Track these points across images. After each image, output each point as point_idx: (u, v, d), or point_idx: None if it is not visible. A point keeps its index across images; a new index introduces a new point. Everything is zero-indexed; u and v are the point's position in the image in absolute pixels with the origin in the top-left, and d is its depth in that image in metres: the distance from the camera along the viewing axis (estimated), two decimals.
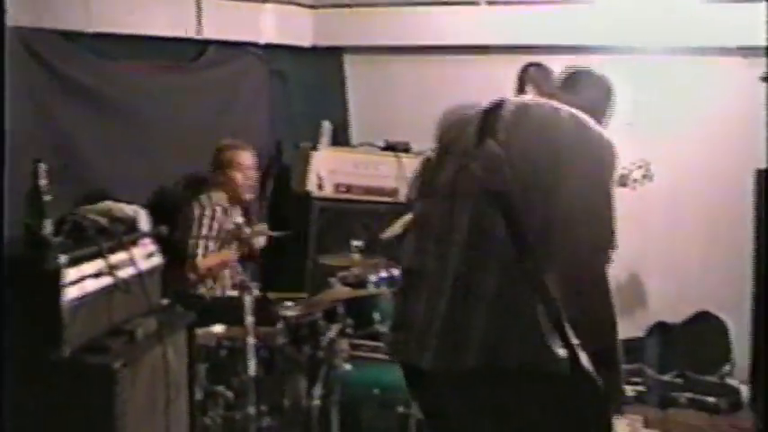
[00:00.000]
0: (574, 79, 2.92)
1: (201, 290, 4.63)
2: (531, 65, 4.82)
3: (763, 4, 5.06)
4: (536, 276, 2.38)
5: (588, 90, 2.84)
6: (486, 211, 2.46)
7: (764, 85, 4.03)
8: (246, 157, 4.84)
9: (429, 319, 2.49)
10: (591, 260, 2.46)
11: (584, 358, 2.39)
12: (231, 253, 4.59)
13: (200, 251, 4.52)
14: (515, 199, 2.42)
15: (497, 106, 2.66)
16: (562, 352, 2.36)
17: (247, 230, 4.50)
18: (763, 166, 4.90)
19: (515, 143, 2.52)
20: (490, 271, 2.42)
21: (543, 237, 2.41)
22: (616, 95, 2.84)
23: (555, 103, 2.65)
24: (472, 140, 2.60)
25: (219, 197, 4.71)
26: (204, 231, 4.57)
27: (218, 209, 4.65)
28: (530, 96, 2.86)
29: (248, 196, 4.89)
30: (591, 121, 2.56)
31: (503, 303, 2.40)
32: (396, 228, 4.65)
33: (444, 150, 2.75)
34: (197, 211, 4.60)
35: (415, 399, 2.99)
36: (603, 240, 2.45)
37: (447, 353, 2.45)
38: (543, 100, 2.73)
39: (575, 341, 2.37)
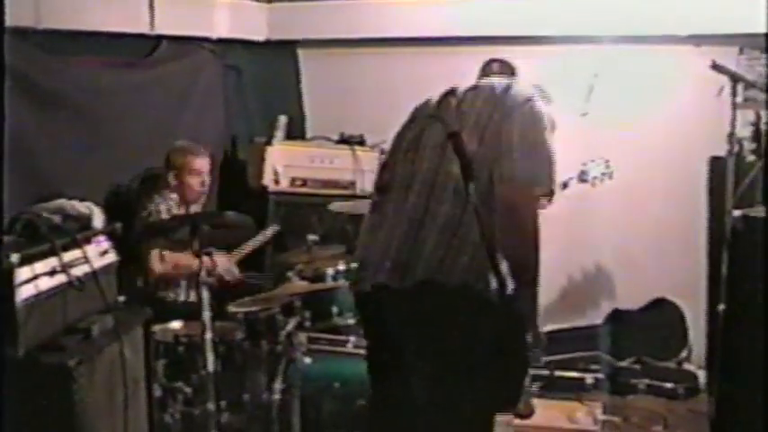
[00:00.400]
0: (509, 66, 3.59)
1: (161, 293, 4.61)
2: (493, 60, 4.99)
3: None
4: (479, 208, 2.72)
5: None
6: (444, 154, 2.92)
7: (713, 72, 4.07)
8: (202, 164, 4.76)
9: (386, 245, 2.95)
10: (525, 193, 2.85)
11: (509, 285, 2.74)
12: (189, 259, 4.50)
13: (154, 256, 4.48)
14: (467, 139, 2.84)
15: (453, 88, 3.17)
16: (494, 278, 2.72)
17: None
18: (715, 153, 4.98)
19: (469, 104, 3.03)
20: (443, 202, 2.88)
21: (488, 173, 2.84)
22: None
23: (500, 78, 3.24)
24: (433, 106, 3.15)
25: (173, 198, 4.68)
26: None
27: (173, 205, 4.63)
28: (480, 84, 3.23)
29: (201, 201, 4.85)
30: (531, 88, 3.08)
31: (450, 230, 2.84)
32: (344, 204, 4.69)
33: (411, 119, 3.27)
34: (151, 208, 4.57)
35: (365, 324, 3.29)
36: (537, 177, 2.87)
37: (399, 270, 2.89)
38: (491, 79, 3.27)
39: (504, 270, 2.72)
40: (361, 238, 3.14)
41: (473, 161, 2.78)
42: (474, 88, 3.13)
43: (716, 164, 5.06)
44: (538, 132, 2.92)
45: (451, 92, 3.14)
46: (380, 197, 3.13)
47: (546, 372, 5.38)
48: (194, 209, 4.77)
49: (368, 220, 3.14)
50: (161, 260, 4.47)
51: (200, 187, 4.76)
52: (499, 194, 2.82)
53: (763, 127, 5.08)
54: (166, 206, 4.61)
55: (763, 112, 5.05)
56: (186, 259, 4.43)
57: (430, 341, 2.85)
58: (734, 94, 4.00)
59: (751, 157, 4.95)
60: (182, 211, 4.70)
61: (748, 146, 5.06)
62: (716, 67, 3.99)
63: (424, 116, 3.17)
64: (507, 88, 3.05)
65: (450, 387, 2.83)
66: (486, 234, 2.71)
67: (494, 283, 2.74)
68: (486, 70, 4.13)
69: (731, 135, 4.02)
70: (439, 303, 2.85)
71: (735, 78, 4.02)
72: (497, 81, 3.16)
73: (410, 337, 2.91)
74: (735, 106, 4.01)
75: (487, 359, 2.81)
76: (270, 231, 5.03)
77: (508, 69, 4.18)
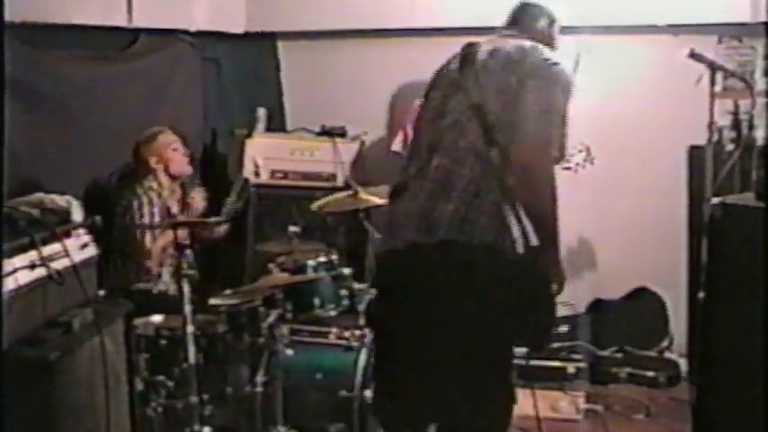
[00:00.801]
0: (524, 15, 3.60)
1: (142, 285, 4.59)
2: (469, 45, 5.02)
3: None
4: (500, 169, 3.01)
5: (536, 21, 3.56)
6: (466, 122, 3.12)
7: (693, 62, 4.08)
8: (173, 138, 4.79)
9: (413, 206, 3.14)
10: (539, 155, 3.04)
11: (533, 239, 3.01)
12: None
13: (147, 242, 4.49)
14: (489, 107, 3.09)
15: (470, 45, 3.35)
16: (517, 232, 2.99)
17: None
18: (695, 142, 5.00)
19: (487, 71, 3.19)
20: (465, 165, 3.07)
21: (508, 137, 3.04)
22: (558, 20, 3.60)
23: (519, 41, 3.29)
24: (455, 73, 3.30)
25: (150, 184, 4.67)
26: (146, 220, 4.55)
27: (153, 196, 4.62)
28: (497, 40, 3.38)
29: (187, 169, 4.86)
30: (548, 51, 3.26)
31: (471, 192, 3.04)
32: (325, 200, 4.68)
33: (433, 85, 3.43)
34: (135, 203, 4.56)
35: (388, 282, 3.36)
36: (551, 137, 3.06)
37: (424, 229, 3.08)
38: (511, 42, 3.31)
39: (527, 225, 3.00)
40: (390, 200, 3.34)
41: (494, 127, 3.06)
42: (493, 51, 3.26)
43: (695, 153, 5.08)
44: (552, 96, 3.10)
45: (471, 54, 3.30)
46: (408, 162, 3.33)
47: (528, 361, 5.40)
48: (174, 191, 4.82)
49: (396, 184, 3.31)
50: (153, 240, 4.54)
51: (184, 157, 4.80)
52: (515, 157, 3.02)
53: (742, 116, 5.11)
54: (147, 198, 4.61)
55: (741, 101, 5.08)
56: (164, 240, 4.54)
57: (455, 294, 3.02)
58: (712, 82, 4.01)
59: (730, 146, 4.98)
60: (165, 196, 4.71)
61: (727, 134, 5.08)
62: (694, 55, 4.00)
63: (447, 83, 3.33)
64: (524, 53, 3.21)
65: (473, 336, 3.02)
66: (507, 194, 3.00)
67: (514, 240, 2.99)
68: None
69: (710, 124, 4.03)
70: (462, 260, 3.04)
71: (713, 67, 4.03)
72: (515, 43, 3.29)
73: (436, 290, 3.06)
74: (713, 95, 4.02)
75: (511, 309, 3.01)
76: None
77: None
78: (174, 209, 4.70)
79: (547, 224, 3.08)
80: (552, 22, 3.61)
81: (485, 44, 3.34)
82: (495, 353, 3.10)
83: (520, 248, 3.00)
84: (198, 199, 4.87)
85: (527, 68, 3.15)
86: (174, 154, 4.75)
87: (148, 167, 4.69)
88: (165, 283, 4.66)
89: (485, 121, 3.09)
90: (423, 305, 3.10)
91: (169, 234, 4.41)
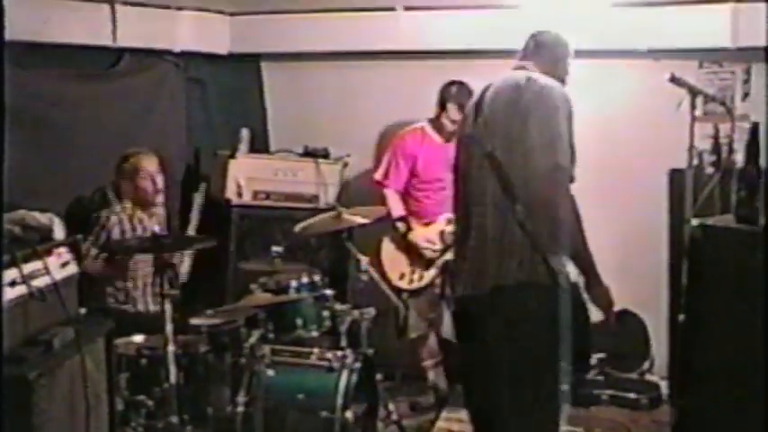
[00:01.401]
0: (538, 45, 3.65)
1: (123, 306, 4.58)
2: (452, 83, 5.12)
3: (671, 8, 5.20)
4: (523, 216, 3.20)
5: (550, 51, 3.63)
6: (484, 173, 3.32)
7: (674, 86, 4.11)
8: (150, 163, 4.76)
9: (462, 259, 3.47)
10: (551, 180, 3.20)
11: (571, 273, 3.28)
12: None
13: (90, 256, 4.49)
14: (500, 155, 3.26)
15: (483, 92, 3.47)
16: (543, 270, 3.20)
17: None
18: (675, 165, 5.03)
19: (494, 116, 3.36)
20: (487, 217, 3.31)
21: (523, 182, 3.22)
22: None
23: (519, 75, 3.43)
24: (470, 126, 3.47)
25: (126, 208, 4.67)
26: (102, 238, 4.56)
27: (124, 216, 4.63)
28: (505, 74, 3.51)
29: (158, 201, 4.84)
30: (543, 79, 3.37)
31: (498, 241, 3.27)
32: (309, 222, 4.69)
33: (458, 140, 3.67)
34: (101, 220, 4.58)
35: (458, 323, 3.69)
36: (559, 162, 3.20)
37: (474, 282, 3.37)
38: (513, 76, 3.45)
39: (555, 263, 3.21)
40: (456, 251, 3.65)
41: (508, 173, 3.24)
42: (498, 92, 3.40)
43: (676, 176, 5.11)
44: (554, 124, 3.24)
45: (480, 101, 3.45)
46: (455, 213, 3.62)
47: None
48: (153, 214, 4.79)
49: (456, 236, 3.65)
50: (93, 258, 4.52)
51: (152, 187, 4.75)
52: (533, 195, 3.22)
53: (722, 140, 5.15)
54: (117, 218, 4.61)
55: (721, 125, 5.12)
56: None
57: (506, 334, 3.26)
58: (693, 106, 4.04)
59: (710, 170, 5.01)
60: (138, 219, 4.70)
61: (708, 158, 5.12)
62: (674, 80, 4.03)
63: (465, 136, 3.54)
64: (520, 89, 3.33)
65: (527, 364, 3.25)
66: (534, 238, 3.20)
67: (547, 277, 3.21)
68: (444, 94, 5.33)
69: (691, 148, 4.06)
70: (504, 303, 3.27)
71: (693, 91, 4.05)
72: (515, 79, 3.40)
73: (492, 333, 3.31)
74: (694, 119, 4.05)
75: (555, 332, 3.21)
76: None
77: (465, 91, 5.16)
78: (156, 229, 4.66)
79: (578, 252, 3.30)
80: (559, 50, 3.67)
81: (496, 83, 3.45)
82: (541, 377, 3.29)
83: (551, 282, 3.21)
84: (184, 263, 4.83)
85: (525, 105, 3.28)
86: (144, 183, 4.72)
87: (120, 189, 4.69)
88: (144, 304, 4.66)
89: (499, 170, 3.27)
90: (484, 347, 3.37)
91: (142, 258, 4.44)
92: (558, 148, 3.22)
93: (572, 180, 3.29)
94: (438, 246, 5.34)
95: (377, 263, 5.26)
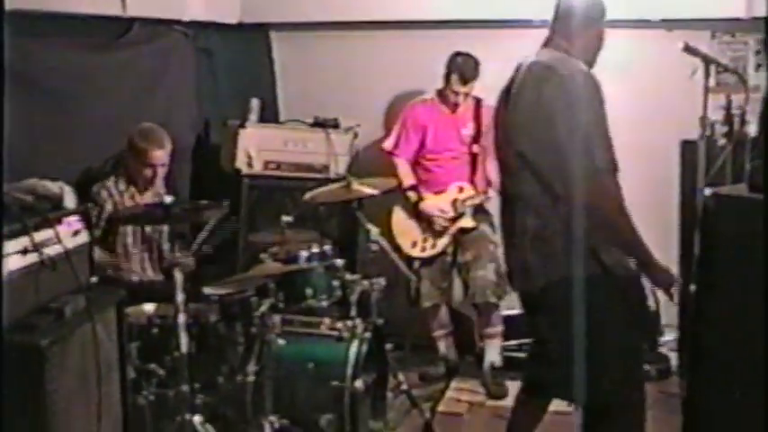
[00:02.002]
0: (561, 14, 3.43)
1: (127, 276, 4.59)
2: (457, 54, 5.08)
3: None
4: (565, 213, 3.17)
5: (576, 20, 3.40)
6: (519, 173, 3.30)
7: (687, 56, 4.07)
8: (158, 157, 4.65)
9: (507, 257, 3.57)
10: (595, 186, 3.11)
11: (619, 260, 3.27)
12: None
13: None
14: (532, 157, 3.22)
15: (511, 80, 3.39)
16: (594, 263, 3.20)
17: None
18: (687, 137, 5.00)
19: (520, 114, 3.28)
20: (530, 216, 3.30)
21: (561, 181, 3.16)
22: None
23: (541, 62, 3.29)
24: (501, 122, 3.44)
25: (120, 187, 4.65)
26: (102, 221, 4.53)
27: (115, 192, 4.62)
28: (532, 58, 3.38)
29: (155, 188, 4.75)
30: (565, 65, 3.22)
31: (540, 240, 3.27)
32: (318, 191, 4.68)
33: (495, 137, 3.56)
34: (92, 195, 4.55)
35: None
36: (598, 166, 3.11)
37: (520, 278, 3.47)
38: (537, 63, 3.31)
39: (606, 254, 3.22)
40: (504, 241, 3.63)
41: (542, 172, 3.20)
42: (521, 85, 3.30)
43: (687, 147, 5.08)
44: (586, 115, 3.12)
45: (508, 90, 3.39)
46: (502, 204, 3.61)
47: (519, 354, 5.42)
48: (148, 196, 4.73)
49: (503, 224, 3.62)
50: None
51: (152, 177, 4.67)
52: (576, 196, 3.15)
53: (734, 111, 5.11)
54: (107, 192, 4.59)
55: (734, 96, 5.08)
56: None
57: (564, 325, 3.28)
58: (706, 76, 4.00)
59: (722, 141, 4.98)
60: (130, 193, 4.67)
61: (720, 129, 5.09)
62: (688, 49, 3.99)
63: (498, 133, 3.50)
64: (541, 80, 3.22)
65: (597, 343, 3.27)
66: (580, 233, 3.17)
67: (597, 268, 3.22)
68: (450, 66, 5.28)
69: (703, 119, 4.03)
70: (556, 299, 3.30)
71: (707, 61, 4.02)
72: (540, 66, 3.28)
73: (552, 327, 3.42)
74: (707, 90, 4.02)
75: (616, 317, 3.29)
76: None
77: (471, 62, 5.24)
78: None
79: (627, 241, 3.28)
80: (585, 19, 3.45)
81: (523, 69, 3.35)
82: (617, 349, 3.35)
83: (602, 276, 3.23)
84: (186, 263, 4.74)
85: (547, 101, 3.18)
86: (144, 169, 4.64)
87: (127, 161, 4.68)
88: (139, 274, 4.66)
89: (533, 169, 3.24)
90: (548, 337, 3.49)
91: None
92: (595, 146, 3.12)
93: (616, 169, 3.21)
94: (450, 214, 5.34)
95: (388, 231, 5.28)
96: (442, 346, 5.57)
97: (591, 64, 3.44)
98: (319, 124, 5.73)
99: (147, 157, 4.61)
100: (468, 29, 5.61)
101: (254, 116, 5.69)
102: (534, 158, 3.23)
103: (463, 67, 5.27)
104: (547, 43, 3.44)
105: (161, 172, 4.72)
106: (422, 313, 5.49)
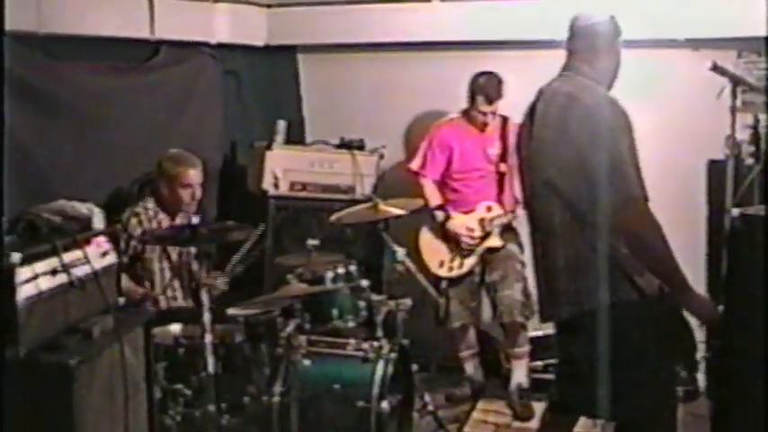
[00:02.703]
0: (575, 35, 3.40)
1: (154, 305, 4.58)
2: (480, 74, 5.04)
3: None
4: (595, 241, 3.11)
5: (591, 42, 3.34)
6: (547, 201, 3.24)
7: (714, 75, 4.06)
8: (195, 176, 4.70)
9: (539, 287, 3.48)
10: (629, 216, 3.06)
11: (654, 284, 3.16)
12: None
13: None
14: (560, 185, 3.16)
15: (533, 105, 3.34)
16: (627, 288, 3.13)
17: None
18: (714, 156, 4.99)
19: (545, 143, 3.23)
20: (560, 246, 3.23)
21: (592, 210, 3.09)
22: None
23: (563, 90, 3.24)
24: (525, 148, 3.39)
25: (149, 208, 4.66)
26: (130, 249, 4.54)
27: (144, 217, 4.62)
28: (555, 84, 3.34)
29: (192, 213, 4.65)
30: (589, 94, 3.17)
31: (573, 268, 3.20)
32: (344, 212, 4.70)
33: (519, 164, 3.51)
34: (132, 223, 4.57)
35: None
36: (631, 194, 3.04)
37: (553, 307, 3.37)
38: (559, 90, 3.26)
39: (641, 279, 3.14)
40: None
41: (572, 202, 3.15)
42: (544, 114, 3.26)
43: (714, 167, 5.06)
44: (610, 151, 3.04)
45: (531, 118, 3.33)
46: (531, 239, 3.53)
47: (545, 376, 5.40)
48: (180, 219, 4.75)
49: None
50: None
51: (190, 199, 4.69)
52: (610, 224, 3.09)
53: (762, 130, 5.08)
54: (137, 220, 4.60)
55: (761, 116, 5.05)
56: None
57: (596, 348, 3.20)
58: (734, 96, 3.99)
59: (749, 161, 4.95)
60: (162, 222, 4.67)
61: (747, 149, 5.06)
62: (716, 68, 3.98)
63: (522, 161, 3.44)
64: (565, 109, 3.17)
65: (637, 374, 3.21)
66: (613, 260, 3.12)
67: (632, 294, 3.16)
68: (473, 86, 5.22)
69: (730, 138, 4.02)
70: (589, 325, 3.20)
71: (735, 80, 4.01)
72: (564, 95, 3.23)
73: (589, 358, 3.27)
74: (734, 109, 4.00)
75: (655, 343, 3.22)
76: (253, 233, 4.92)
77: (495, 81, 5.20)
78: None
79: (663, 271, 3.17)
80: (600, 41, 3.39)
81: (545, 97, 3.30)
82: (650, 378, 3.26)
83: (637, 301, 3.17)
84: (217, 283, 4.73)
85: (573, 133, 3.12)
86: (182, 192, 4.66)
87: (158, 187, 4.70)
88: (168, 301, 4.67)
89: (561, 198, 3.19)
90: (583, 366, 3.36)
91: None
92: (625, 175, 3.05)
93: (646, 200, 3.14)
94: (477, 233, 5.33)
95: (415, 251, 5.27)
96: (469, 367, 5.55)
97: (610, 86, 3.39)
98: (345, 145, 5.75)
99: (184, 178, 4.65)
100: (492, 50, 5.62)
101: (280, 138, 5.72)
102: (563, 187, 3.18)
103: (487, 87, 5.25)
104: (566, 67, 3.37)
105: (198, 192, 4.73)
106: (449, 334, 5.47)
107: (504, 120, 5.43)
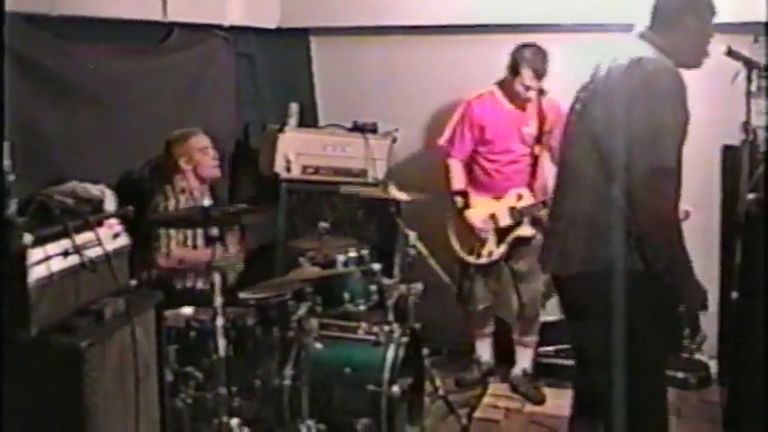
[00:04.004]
0: (657, 10, 3.37)
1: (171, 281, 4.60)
2: (525, 45, 4.91)
3: None
4: (622, 204, 3.12)
5: (674, 19, 3.32)
6: (586, 156, 3.28)
7: (729, 60, 4.02)
8: (205, 141, 4.79)
9: (552, 238, 3.50)
10: (652, 186, 3.05)
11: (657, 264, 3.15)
12: (193, 253, 4.55)
13: (163, 249, 4.48)
14: (604, 141, 3.18)
15: (597, 68, 3.37)
16: (637, 258, 3.14)
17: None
18: (728, 142, 4.94)
19: (601, 98, 3.26)
20: (584, 201, 3.28)
21: (624, 173, 3.09)
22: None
23: (633, 54, 3.20)
24: (579, 104, 3.42)
25: (182, 185, 4.68)
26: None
27: (182, 197, 4.63)
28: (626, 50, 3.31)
29: (216, 173, 4.84)
30: (654, 61, 3.17)
31: (591, 227, 3.24)
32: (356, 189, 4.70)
33: (567, 120, 3.54)
34: (162, 203, 4.59)
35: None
36: (662, 165, 3.04)
37: (560, 262, 3.41)
38: (628, 53, 3.23)
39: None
40: (549, 219, 3.68)
41: (610, 160, 3.16)
42: (609, 73, 3.27)
43: (729, 153, 5.02)
44: (657, 118, 3.06)
45: (593, 78, 3.37)
46: (555, 186, 3.60)
47: (557, 361, 5.40)
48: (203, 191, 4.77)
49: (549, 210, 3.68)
50: (166, 256, 4.48)
51: (214, 161, 4.78)
52: (633, 192, 3.10)
53: None
54: (176, 200, 4.62)
55: None
56: (191, 253, 4.51)
57: (594, 318, 3.30)
58: (749, 80, 3.95)
59: (765, 146, 4.91)
60: (195, 196, 4.68)
61: (762, 134, 5.02)
62: (731, 53, 3.94)
63: (572, 114, 3.46)
64: (628, 70, 3.17)
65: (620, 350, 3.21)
66: (632, 226, 3.13)
67: (640, 264, 3.15)
68: (516, 57, 5.06)
69: (745, 123, 3.98)
70: (594, 289, 3.25)
71: (750, 65, 3.97)
72: (627, 57, 3.22)
73: (579, 316, 3.45)
74: (749, 94, 3.97)
75: (646, 323, 3.21)
76: None
77: (541, 54, 5.06)
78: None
79: (668, 254, 3.16)
80: (687, 18, 3.36)
81: (613, 61, 3.30)
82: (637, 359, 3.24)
83: (642, 273, 3.16)
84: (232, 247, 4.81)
85: (629, 93, 3.12)
86: (203, 157, 4.75)
87: (178, 167, 4.70)
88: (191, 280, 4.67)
89: (600, 154, 3.21)
90: (572, 324, 3.59)
91: (178, 254, 4.49)
92: (662, 146, 3.05)
93: (677, 177, 3.17)
94: (506, 221, 5.22)
95: (445, 235, 5.23)
96: (481, 348, 5.52)
97: (688, 61, 3.37)
98: (358, 129, 5.72)
99: (197, 143, 4.73)
100: (509, 33, 5.57)
101: (293, 120, 5.70)
102: (605, 143, 3.19)
103: (535, 61, 5.01)
104: (643, 35, 3.36)
105: (213, 154, 4.80)
106: (468, 314, 5.43)
107: (541, 96, 5.22)
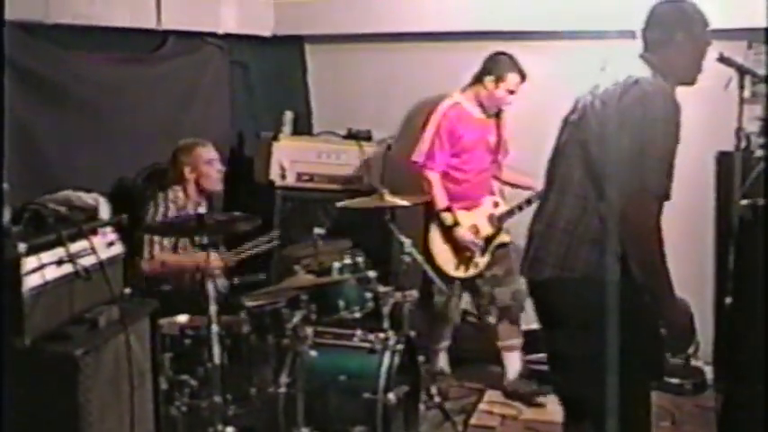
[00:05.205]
0: (651, 23, 3.33)
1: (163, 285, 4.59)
2: (501, 53, 4.89)
3: None
4: (606, 212, 3.07)
5: (667, 33, 3.26)
6: (575, 161, 3.22)
7: (720, 67, 4.03)
8: (213, 153, 4.78)
9: (531, 241, 3.40)
10: (636, 203, 3.00)
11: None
12: (176, 258, 4.54)
13: (146, 254, 4.46)
14: (593, 150, 3.14)
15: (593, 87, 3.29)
16: (616, 267, 3.06)
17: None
18: (722, 148, 4.95)
19: (597, 108, 3.18)
20: (568, 206, 3.22)
21: (610, 183, 3.06)
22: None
23: (634, 76, 3.14)
24: (578, 110, 3.31)
25: (176, 195, 4.67)
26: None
27: (172, 206, 4.61)
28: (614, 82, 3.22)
29: (219, 187, 4.82)
30: (650, 83, 3.12)
31: (570, 231, 3.18)
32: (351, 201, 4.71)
33: (563, 123, 3.44)
34: (151, 210, 4.58)
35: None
36: (646, 186, 2.98)
37: (535, 265, 3.32)
38: (630, 75, 3.16)
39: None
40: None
41: (595, 169, 3.13)
42: (604, 91, 3.20)
43: (723, 159, 5.03)
44: (647, 140, 3.01)
45: (589, 93, 3.29)
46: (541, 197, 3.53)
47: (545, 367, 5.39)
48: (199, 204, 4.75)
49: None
50: (149, 260, 4.46)
51: (218, 174, 4.78)
52: (618, 205, 3.03)
53: None
54: (165, 207, 4.60)
55: None
56: (173, 257, 4.51)
57: (565, 327, 3.23)
58: (741, 87, 3.96)
59: (759, 152, 4.92)
60: (191, 206, 4.67)
61: (756, 141, 5.03)
62: (723, 59, 3.95)
63: (568, 120, 3.39)
64: (625, 87, 3.11)
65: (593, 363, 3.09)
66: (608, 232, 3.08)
67: (617, 274, 3.07)
68: (487, 64, 5.02)
69: (739, 130, 3.99)
70: (565, 295, 3.22)
71: (742, 71, 3.98)
72: (629, 76, 3.15)
73: (550, 323, 3.39)
74: (742, 100, 3.97)
75: (621, 338, 3.05)
76: (269, 237, 4.89)
77: (512, 62, 5.02)
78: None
79: (648, 271, 3.09)
80: (680, 33, 3.29)
81: (612, 78, 3.25)
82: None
83: (620, 282, 3.07)
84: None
85: (622, 110, 3.08)
86: (209, 169, 4.74)
87: (182, 176, 4.69)
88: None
89: (589, 160, 3.17)
90: (544, 332, 3.50)
91: (160, 257, 4.46)
92: (648, 168, 3.00)
93: (668, 198, 3.10)
94: (487, 231, 5.24)
95: (426, 252, 5.14)
96: (442, 361, 5.49)
97: (686, 81, 3.34)
98: (352, 136, 5.74)
99: (205, 154, 4.72)
100: (500, 40, 5.59)
101: (287, 128, 5.72)
102: (594, 150, 3.15)
103: (517, 65, 5.05)
104: (641, 54, 3.33)
105: (218, 166, 4.79)
106: (436, 330, 5.41)
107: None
